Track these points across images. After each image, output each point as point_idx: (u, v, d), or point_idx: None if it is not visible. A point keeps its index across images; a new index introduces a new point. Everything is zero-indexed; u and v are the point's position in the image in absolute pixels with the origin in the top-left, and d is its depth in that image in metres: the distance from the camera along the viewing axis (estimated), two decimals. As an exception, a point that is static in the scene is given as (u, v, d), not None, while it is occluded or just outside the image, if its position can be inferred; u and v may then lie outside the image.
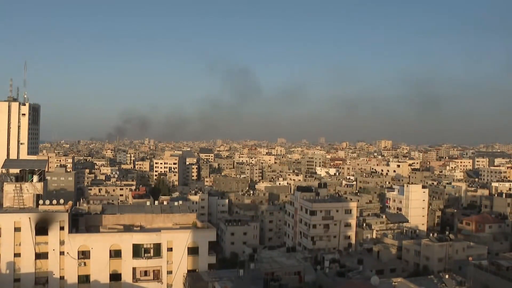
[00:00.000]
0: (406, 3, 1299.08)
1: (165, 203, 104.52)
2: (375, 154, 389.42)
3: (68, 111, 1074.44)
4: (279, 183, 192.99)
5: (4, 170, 72.97)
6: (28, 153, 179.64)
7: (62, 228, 60.26)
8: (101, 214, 70.40)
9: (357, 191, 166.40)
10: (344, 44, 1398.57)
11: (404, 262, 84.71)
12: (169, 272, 62.43)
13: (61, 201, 63.95)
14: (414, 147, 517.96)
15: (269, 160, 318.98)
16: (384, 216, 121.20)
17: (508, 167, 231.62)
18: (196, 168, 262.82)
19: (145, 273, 62.07)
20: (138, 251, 61.84)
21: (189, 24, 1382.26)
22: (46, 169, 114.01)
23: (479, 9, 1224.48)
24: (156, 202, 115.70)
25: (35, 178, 67.05)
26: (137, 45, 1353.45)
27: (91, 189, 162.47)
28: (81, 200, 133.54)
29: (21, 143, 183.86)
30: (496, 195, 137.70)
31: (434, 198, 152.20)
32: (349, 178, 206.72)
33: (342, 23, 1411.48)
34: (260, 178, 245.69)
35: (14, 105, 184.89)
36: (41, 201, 63.97)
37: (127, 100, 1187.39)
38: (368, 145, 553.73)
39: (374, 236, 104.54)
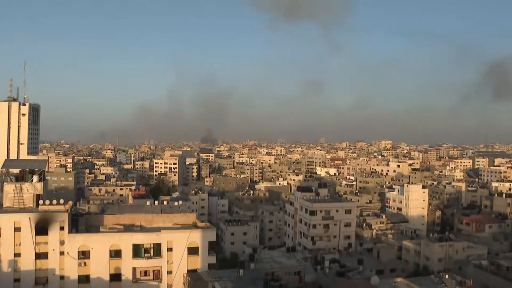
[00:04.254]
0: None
1: (165, 203, 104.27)
2: (375, 154, 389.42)
3: (68, 111, 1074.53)
4: (279, 183, 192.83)
5: (4, 170, 72.88)
6: (28, 153, 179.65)
7: (62, 228, 60.21)
8: (101, 214, 70.28)
9: (357, 191, 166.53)
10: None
11: (404, 262, 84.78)
12: (169, 272, 62.41)
13: (61, 201, 63.85)
14: (414, 147, 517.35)
15: (269, 160, 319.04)
16: (384, 216, 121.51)
17: (508, 167, 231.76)
18: (196, 168, 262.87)
19: (145, 273, 62.07)
20: (138, 251, 61.82)
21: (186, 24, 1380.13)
22: (46, 169, 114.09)
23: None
24: (156, 202, 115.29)
25: (35, 178, 66.96)
26: (136, 45, 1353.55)
27: (91, 189, 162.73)
28: (81, 200, 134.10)
29: (21, 143, 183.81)
30: (496, 195, 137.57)
31: (434, 198, 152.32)
32: (349, 178, 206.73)
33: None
34: (260, 178, 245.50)
35: (14, 105, 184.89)
36: (41, 201, 63.89)
37: (126, 100, 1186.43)
38: (368, 145, 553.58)
39: (374, 236, 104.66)
